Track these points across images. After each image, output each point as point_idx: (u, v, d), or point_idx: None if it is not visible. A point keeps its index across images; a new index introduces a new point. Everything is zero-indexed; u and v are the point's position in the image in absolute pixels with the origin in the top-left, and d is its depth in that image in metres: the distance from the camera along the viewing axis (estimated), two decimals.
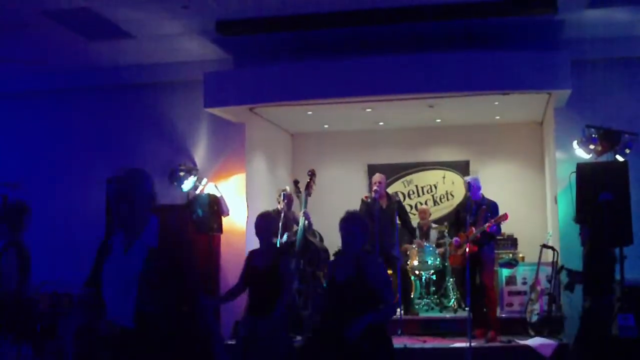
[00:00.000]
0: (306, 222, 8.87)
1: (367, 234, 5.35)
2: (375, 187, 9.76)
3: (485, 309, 8.60)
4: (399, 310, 9.06)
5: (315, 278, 8.87)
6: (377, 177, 9.91)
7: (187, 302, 4.11)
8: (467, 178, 9.13)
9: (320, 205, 9.98)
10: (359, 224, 5.27)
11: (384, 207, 9.73)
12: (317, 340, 5.20)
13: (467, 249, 8.35)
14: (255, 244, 9.95)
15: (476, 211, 8.63)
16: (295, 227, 9.13)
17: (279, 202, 9.42)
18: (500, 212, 8.61)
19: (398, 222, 9.50)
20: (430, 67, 9.04)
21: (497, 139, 11.78)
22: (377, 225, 9.70)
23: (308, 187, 8.97)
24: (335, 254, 8.80)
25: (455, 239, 8.88)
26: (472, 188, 8.78)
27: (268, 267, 6.34)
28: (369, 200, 9.80)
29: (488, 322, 8.50)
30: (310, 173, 9.08)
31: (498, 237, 10.25)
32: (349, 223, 5.26)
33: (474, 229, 8.51)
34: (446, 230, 10.43)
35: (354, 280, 5.06)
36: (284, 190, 9.43)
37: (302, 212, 8.90)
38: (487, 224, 8.43)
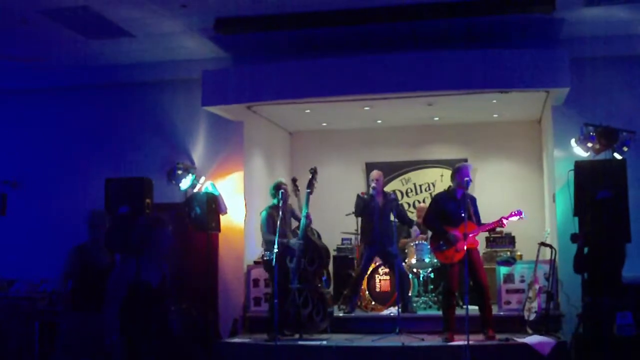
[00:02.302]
0: (307, 221, 8.85)
1: None
2: (373, 184, 9.77)
3: (477, 307, 8.56)
4: (396, 308, 9.08)
5: (316, 277, 8.87)
6: (375, 174, 9.92)
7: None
8: (464, 163, 8.78)
9: (318, 203, 9.97)
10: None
11: (381, 205, 9.74)
12: None
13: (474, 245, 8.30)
14: (253, 241, 10.03)
15: (465, 204, 8.35)
16: (295, 224, 9.13)
17: (274, 197, 9.27)
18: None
19: (394, 219, 9.49)
20: (428, 65, 9.04)
21: (495, 137, 11.78)
22: (377, 222, 9.71)
23: (310, 184, 8.92)
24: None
25: (454, 232, 8.33)
26: (469, 171, 8.47)
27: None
28: (365, 196, 9.81)
29: (486, 320, 8.47)
30: (312, 170, 9.02)
31: (495, 235, 10.28)
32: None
33: (474, 224, 8.40)
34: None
35: None
36: (280, 183, 9.27)
37: (304, 214, 8.86)
38: (502, 218, 8.33)
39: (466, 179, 8.42)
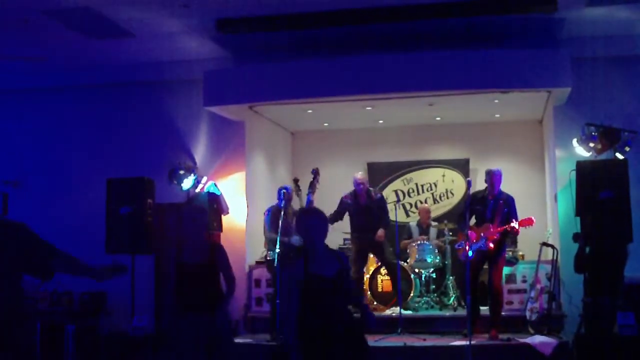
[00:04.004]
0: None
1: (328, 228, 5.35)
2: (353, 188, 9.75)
3: (486, 307, 8.57)
4: (398, 308, 9.08)
5: None
6: (360, 177, 9.68)
7: None
8: (492, 169, 8.83)
9: (320, 204, 9.94)
10: (322, 217, 5.24)
11: (364, 205, 9.67)
12: (320, 340, 5.14)
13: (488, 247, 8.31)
14: (254, 241, 10.02)
15: (494, 205, 8.52)
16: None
17: (278, 199, 9.33)
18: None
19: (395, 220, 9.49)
20: (430, 65, 9.04)
21: (497, 137, 11.76)
22: (361, 221, 9.66)
23: (312, 186, 8.91)
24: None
25: (471, 232, 8.43)
26: (497, 177, 8.56)
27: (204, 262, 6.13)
28: (348, 200, 9.72)
29: (492, 321, 8.46)
30: (314, 172, 9.02)
31: None
32: (319, 219, 5.21)
33: (490, 226, 8.42)
34: (446, 229, 10.41)
35: (339, 275, 5.08)
36: (284, 187, 9.32)
37: (307, 199, 8.83)
38: (511, 225, 8.30)
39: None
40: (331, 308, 5.01)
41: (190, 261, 6.02)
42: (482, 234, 8.39)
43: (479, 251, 8.34)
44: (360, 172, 9.94)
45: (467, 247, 8.23)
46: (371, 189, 9.87)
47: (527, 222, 8.41)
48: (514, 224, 8.31)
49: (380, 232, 9.53)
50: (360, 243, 9.74)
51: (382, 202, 9.79)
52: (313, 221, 5.18)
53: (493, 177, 8.58)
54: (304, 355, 5.00)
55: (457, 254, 9.08)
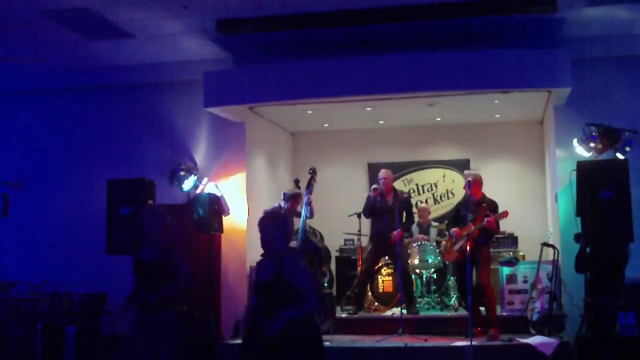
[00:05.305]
0: (308, 208, 8.83)
1: (287, 233, 5.20)
2: (375, 186, 9.78)
3: (484, 308, 8.60)
4: (399, 309, 9.07)
5: (317, 278, 8.85)
6: (381, 172, 9.88)
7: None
8: (466, 172, 9.02)
9: (321, 204, 9.96)
10: (277, 222, 5.15)
11: (389, 204, 9.69)
12: (248, 342, 5.14)
13: (467, 246, 8.35)
14: (255, 242, 10.00)
15: (476, 209, 8.61)
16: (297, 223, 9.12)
17: (282, 199, 9.39)
18: (501, 211, 8.60)
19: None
20: (430, 65, 9.02)
21: (497, 137, 11.77)
22: (383, 221, 9.67)
23: (309, 185, 8.94)
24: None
25: (453, 230, 8.77)
26: (467, 183, 8.71)
27: (157, 260, 6.25)
28: (375, 195, 9.77)
29: (488, 320, 8.49)
30: (311, 171, 9.05)
31: (498, 236, 10.25)
32: (267, 222, 5.15)
33: (472, 225, 8.48)
34: (446, 229, 10.42)
35: (274, 279, 4.96)
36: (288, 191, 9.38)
37: (304, 200, 8.85)
38: (486, 219, 8.39)
39: (468, 179, 8.75)
40: (262, 312, 4.93)
41: (144, 258, 6.16)
42: (463, 233, 8.49)
43: (463, 251, 8.38)
44: (383, 170, 9.95)
45: (450, 245, 8.74)
46: (398, 189, 9.94)
47: (502, 215, 8.51)
48: (488, 218, 8.39)
49: (394, 233, 9.46)
50: (377, 245, 9.76)
51: (406, 202, 9.82)
52: (267, 224, 5.13)
53: (466, 183, 8.74)
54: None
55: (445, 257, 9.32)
